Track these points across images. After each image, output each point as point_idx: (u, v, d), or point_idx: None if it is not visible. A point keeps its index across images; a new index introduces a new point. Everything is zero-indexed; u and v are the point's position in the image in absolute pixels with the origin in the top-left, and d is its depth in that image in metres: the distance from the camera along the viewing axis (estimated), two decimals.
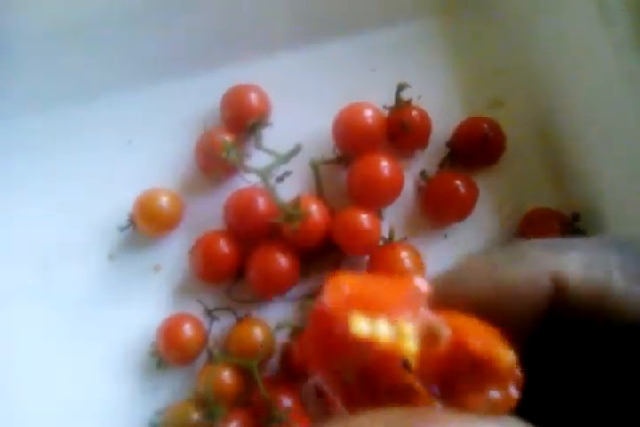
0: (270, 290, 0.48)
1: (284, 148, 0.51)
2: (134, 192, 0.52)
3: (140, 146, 0.56)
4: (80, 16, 0.53)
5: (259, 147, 0.51)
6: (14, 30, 0.53)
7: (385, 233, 0.48)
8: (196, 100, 0.56)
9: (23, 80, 0.55)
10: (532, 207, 0.49)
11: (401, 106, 0.50)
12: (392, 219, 0.50)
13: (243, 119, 0.52)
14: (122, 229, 0.52)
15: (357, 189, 0.48)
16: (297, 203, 0.47)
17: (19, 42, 0.53)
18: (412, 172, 0.51)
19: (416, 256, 0.47)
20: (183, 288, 0.52)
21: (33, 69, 0.55)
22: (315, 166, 0.50)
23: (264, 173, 0.49)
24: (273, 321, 0.49)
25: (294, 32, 0.56)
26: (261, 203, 0.49)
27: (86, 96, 0.56)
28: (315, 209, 0.47)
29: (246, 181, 0.51)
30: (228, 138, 0.51)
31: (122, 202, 0.53)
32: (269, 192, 0.48)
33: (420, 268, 0.46)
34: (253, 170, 0.49)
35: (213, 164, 0.52)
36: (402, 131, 0.49)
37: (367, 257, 0.48)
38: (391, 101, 0.51)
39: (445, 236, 0.50)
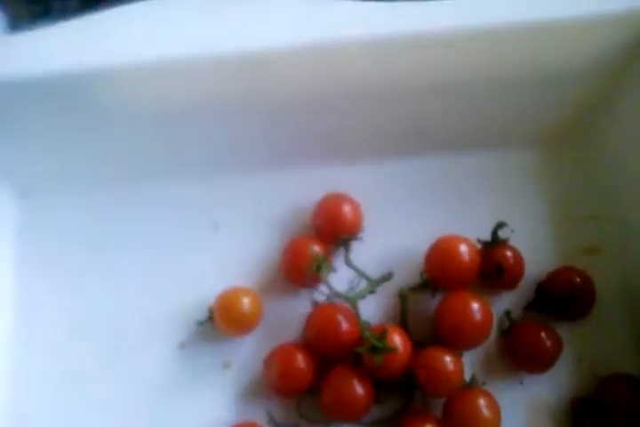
0: (342, 414, 0.49)
1: (369, 265, 0.52)
2: (215, 283, 0.53)
3: (225, 234, 0.56)
4: (190, 100, 0.53)
5: (348, 263, 0.52)
6: (116, 109, 0.53)
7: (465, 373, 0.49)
8: (289, 197, 0.56)
9: (123, 153, 0.56)
10: (614, 370, 0.49)
11: (497, 245, 0.50)
12: (470, 358, 0.51)
13: (335, 231, 0.53)
14: (200, 323, 0.52)
15: (445, 328, 0.49)
16: (383, 335, 0.47)
17: (118, 119, 0.53)
18: (496, 310, 0.51)
19: (493, 405, 0.47)
20: (251, 391, 0.52)
21: (133, 144, 0.55)
22: (403, 296, 0.50)
23: (353, 299, 0.49)
24: None
25: (397, 143, 0.56)
26: (344, 324, 0.49)
27: (178, 175, 0.57)
28: (399, 342, 0.47)
29: (327, 296, 0.51)
30: (318, 250, 0.51)
31: (201, 292, 0.53)
32: (356, 318, 0.49)
33: (496, 417, 0.47)
34: (342, 295, 0.49)
35: (299, 272, 0.52)
36: (496, 272, 0.50)
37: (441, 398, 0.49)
38: (483, 231, 0.51)
39: (521, 383, 0.51)
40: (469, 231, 0.51)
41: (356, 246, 0.53)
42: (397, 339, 0.48)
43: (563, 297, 0.50)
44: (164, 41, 0.49)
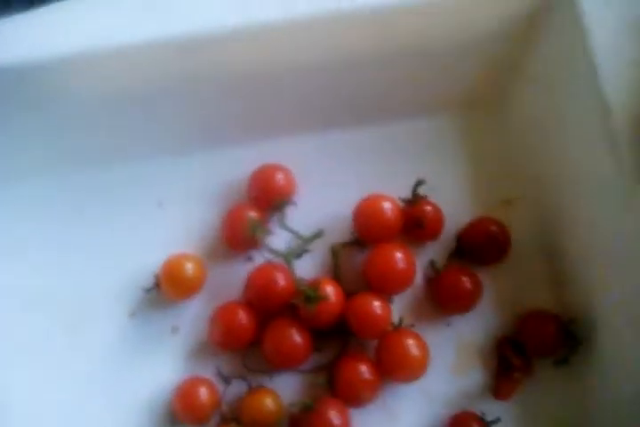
0: (283, 363, 0.52)
1: (305, 226, 0.56)
2: (161, 254, 0.56)
3: (170, 210, 0.59)
4: (129, 86, 0.56)
5: (282, 226, 0.55)
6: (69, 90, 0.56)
7: (394, 318, 0.52)
8: (225, 172, 0.59)
9: (63, 139, 0.58)
10: (532, 308, 0.54)
11: (417, 201, 0.54)
12: (400, 304, 0.54)
13: (269, 198, 0.56)
14: (147, 290, 0.55)
15: (373, 277, 0.52)
16: (316, 286, 0.50)
17: (70, 102, 0.56)
18: (421, 260, 0.55)
19: (422, 344, 0.51)
20: (199, 351, 0.55)
21: (75, 129, 0.58)
22: (335, 251, 0.54)
23: (287, 257, 0.53)
24: (283, 391, 0.53)
25: (324, 116, 0.59)
26: (281, 280, 0.52)
27: (122, 158, 0.60)
28: (331, 292, 0.51)
29: (266, 256, 0.54)
30: (254, 215, 0.55)
31: (148, 262, 0.56)
32: (291, 273, 0.52)
33: (425, 355, 0.51)
34: (277, 252, 0.53)
35: (238, 237, 0.55)
36: (416, 225, 0.54)
37: (375, 341, 0.52)
38: (407, 192, 0.55)
39: (448, 324, 0.55)
40: (395, 192, 0.55)
41: (290, 212, 0.57)
42: (330, 289, 0.51)
43: (480, 243, 0.54)
44: (104, 29, 0.51)
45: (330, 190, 0.58)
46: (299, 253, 0.54)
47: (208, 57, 0.53)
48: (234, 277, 0.56)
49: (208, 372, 0.54)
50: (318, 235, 0.54)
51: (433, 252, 0.57)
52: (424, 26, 0.54)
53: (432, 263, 0.55)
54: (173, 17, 0.52)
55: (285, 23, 0.52)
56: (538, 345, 0.52)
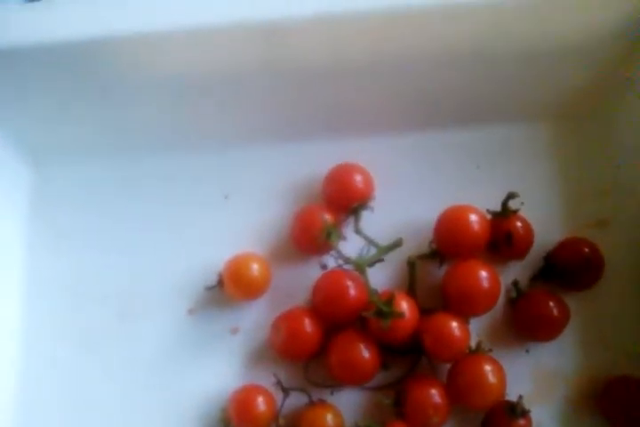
0: (349, 379, 0.49)
1: (379, 234, 0.52)
2: (225, 250, 0.53)
3: (236, 204, 0.56)
4: (205, 71, 0.53)
5: (357, 231, 0.52)
6: (135, 76, 0.53)
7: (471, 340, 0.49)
8: (299, 169, 0.57)
9: (129, 123, 0.56)
10: (617, 373, 0.50)
11: (507, 215, 0.50)
12: (477, 325, 0.51)
13: (345, 200, 0.53)
14: (209, 288, 0.53)
15: (453, 295, 0.49)
16: (390, 300, 0.47)
17: (139, 84, 0.53)
18: (503, 278, 0.51)
19: (500, 371, 0.47)
20: (258, 355, 0.53)
21: (142, 114, 0.56)
22: (412, 263, 0.50)
23: (362, 265, 0.49)
24: (345, 407, 0.50)
25: (408, 116, 0.56)
26: (352, 289, 0.49)
27: (189, 146, 0.57)
28: (406, 308, 0.48)
29: (337, 262, 0.51)
30: (328, 218, 0.52)
31: (212, 258, 0.54)
32: (364, 284, 0.49)
33: (501, 383, 0.47)
34: (350, 259, 0.50)
35: (309, 240, 0.52)
36: (505, 241, 0.50)
37: (448, 363, 0.49)
38: (493, 203, 0.52)
39: (527, 351, 0.51)
40: (480, 203, 0.52)
41: (366, 216, 0.53)
42: (404, 304, 0.48)
43: (571, 267, 0.50)
44: (172, 10, 0.49)
45: (409, 196, 0.55)
46: (373, 262, 0.51)
47: (291, 45, 0.51)
48: (301, 281, 0.53)
49: (266, 380, 0.51)
50: (397, 244, 0.51)
51: (517, 271, 0.53)
52: (528, 26, 0.50)
53: (515, 284, 0.51)
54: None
55: (376, 13, 0.49)
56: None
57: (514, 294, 0.51)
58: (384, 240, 0.52)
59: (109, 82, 0.53)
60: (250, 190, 0.57)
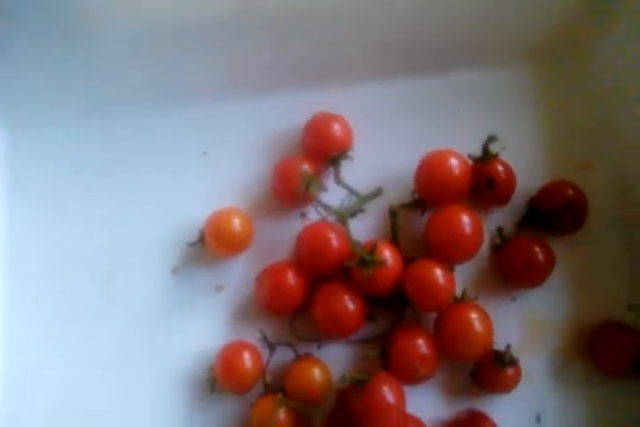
0: (335, 331, 0.48)
1: (360, 183, 0.52)
2: (206, 206, 0.52)
3: (215, 159, 0.55)
4: (180, 20, 0.51)
5: (338, 181, 0.51)
6: (109, 27, 0.52)
7: (456, 289, 0.48)
8: (276, 121, 0.55)
9: (105, 77, 0.55)
10: (605, 318, 0.50)
11: (488, 159, 0.49)
12: (462, 274, 0.50)
13: (324, 150, 0.52)
14: (190, 244, 0.52)
15: (435, 242, 0.48)
16: (373, 249, 0.46)
17: (112, 35, 0.52)
18: (487, 226, 0.51)
19: (486, 319, 0.47)
20: (244, 312, 0.52)
21: (118, 68, 0.54)
22: (393, 212, 0.50)
23: (343, 215, 0.49)
24: (331, 361, 0.49)
25: (385, 64, 0.55)
26: (335, 240, 0.49)
27: (165, 102, 0.56)
28: (389, 256, 0.47)
29: (319, 212, 0.50)
30: (307, 169, 0.51)
31: (192, 215, 0.53)
32: (346, 234, 0.48)
33: (489, 331, 0.46)
34: (331, 209, 0.49)
35: (289, 192, 0.51)
36: (486, 186, 0.49)
37: (434, 313, 0.48)
38: (474, 148, 0.51)
39: (514, 299, 0.50)
40: (461, 148, 0.50)
41: (346, 166, 0.52)
42: (387, 253, 0.47)
43: (555, 211, 0.49)
44: None
45: (389, 145, 0.54)
46: (354, 211, 0.50)
47: None
48: (283, 234, 0.53)
49: (252, 336, 0.51)
50: (377, 193, 0.50)
51: (500, 218, 0.52)
52: None
53: (499, 230, 0.50)
54: None
55: None
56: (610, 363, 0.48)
57: (498, 241, 0.50)
58: (365, 190, 0.51)
59: (81, 36, 0.51)
60: (229, 145, 0.56)
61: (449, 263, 0.48)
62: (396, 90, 0.55)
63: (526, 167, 0.52)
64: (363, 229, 0.52)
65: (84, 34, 0.51)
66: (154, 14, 0.50)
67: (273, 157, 0.55)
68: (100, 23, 0.51)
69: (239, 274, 0.53)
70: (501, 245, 0.50)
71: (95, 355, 0.52)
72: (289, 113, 0.54)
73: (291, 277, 0.49)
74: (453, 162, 0.48)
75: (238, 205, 0.54)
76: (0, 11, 0.49)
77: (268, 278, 0.50)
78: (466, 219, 0.47)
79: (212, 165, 0.55)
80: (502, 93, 0.54)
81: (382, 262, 0.46)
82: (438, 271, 0.47)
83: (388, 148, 0.53)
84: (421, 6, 0.51)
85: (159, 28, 0.51)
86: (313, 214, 0.52)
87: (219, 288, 0.53)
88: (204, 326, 0.52)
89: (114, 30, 0.51)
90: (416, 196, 0.51)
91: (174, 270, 0.53)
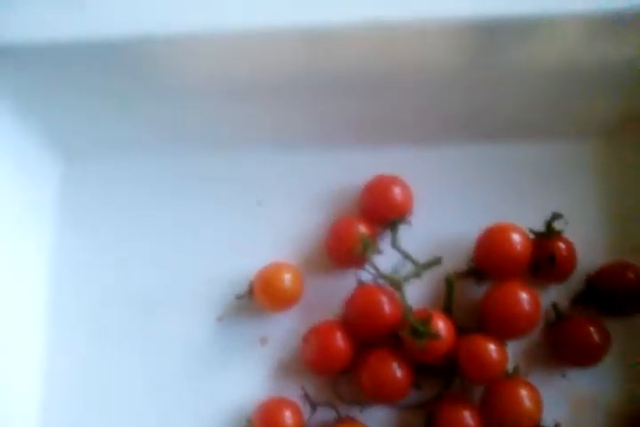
0: (380, 397, 0.48)
1: (416, 249, 0.51)
2: (257, 257, 0.52)
3: (269, 210, 0.55)
4: (242, 74, 0.52)
5: (395, 246, 0.51)
6: (180, 77, 0.52)
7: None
8: (335, 177, 0.55)
9: (171, 123, 0.55)
10: None
11: (551, 236, 0.49)
12: (513, 348, 0.49)
13: (383, 213, 0.52)
14: (239, 297, 0.52)
15: (492, 317, 0.48)
16: (427, 320, 0.46)
17: (181, 88, 0.52)
18: (542, 300, 0.50)
19: (536, 396, 0.46)
20: (286, 367, 0.52)
21: (181, 112, 0.54)
22: (450, 281, 0.49)
23: (399, 282, 0.48)
24: (374, 425, 0.49)
25: (451, 128, 0.55)
26: (387, 305, 0.48)
27: (225, 147, 0.56)
28: (443, 329, 0.47)
29: (372, 275, 0.50)
30: (365, 231, 0.51)
31: (242, 265, 0.53)
32: (400, 301, 0.48)
33: (537, 409, 0.46)
34: (388, 277, 0.49)
35: (344, 252, 0.51)
36: (547, 263, 0.48)
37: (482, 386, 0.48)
38: (534, 219, 0.50)
39: (563, 375, 0.50)
40: (522, 221, 0.50)
41: (403, 230, 0.52)
42: (441, 325, 0.47)
43: (613, 293, 0.49)
44: (222, 11, 0.47)
45: (448, 211, 0.54)
46: (410, 279, 0.49)
47: (334, 52, 0.49)
48: (333, 292, 0.52)
49: (293, 392, 0.50)
50: (435, 262, 0.49)
51: (556, 293, 0.51)
52: (580, 42, 0.48)
53: (555, 307, 0.50)
54: (301, 4, 0.47)
55: (421, 22, 0.47)
56: None
57: (553, 317, 0.50)
58: (421, 255, 0.51)
59: (148, 81, 0.51)
60: (284, 197, 0.56)
61: (504, 339, 0.47)
62: (461, 155, 0.55)
63: (586, 244, 0.51)
64: (414, 292, 0.51)
65: (150, 80, 0.51)
66: (222, 69, 0.50)
67: (328, 213, 0.55)
68: (166, 72, 0.51)
69: (285, 328, 0.52)
70: (556, 322, 0.49)
71: (132, 397, 0.51)
72: (350, 170, 0.55)
73: (339, 339, 0.49)
74: (516, 237, 0.48)
75: (289, 258, 0.53)
76: (70, 50, 0.49)
77: (316, 338, 0.50)
78: (526, 297, 0.47)
79: (266, 216, 0.55)
80: (569, 167, 0.54)
81: (436, 336, 0.46)
82: (492, 346, 0.46)
83: (447, 214, 0.53)
84: (493, 77, 0.50)
85: (229, 84, 0.52)
86: (365, 276, 0.51)
87: (263, 341, 0.52)
88: (245, 377, 0.51)
89: (181, 79, 0.51)
90: (473, 264, 0.50)
91: (219, 318, 0.53)
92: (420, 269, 0.49)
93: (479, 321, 0.49)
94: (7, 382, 0.50)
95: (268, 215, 0.55)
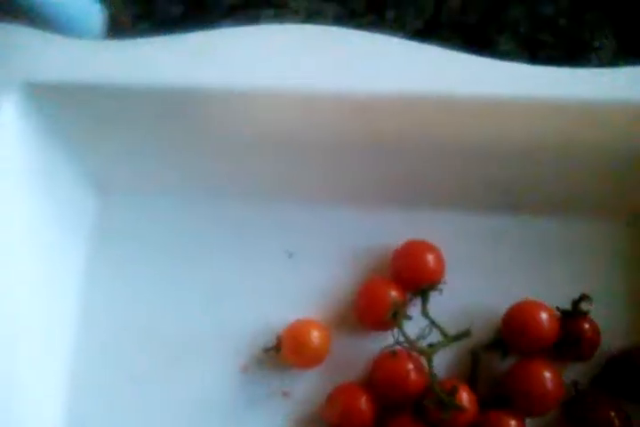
0: None
1: (443, 316, 0.52)
2: (285, 310, 0.54)
3: (300, 263, 0.57)
4: (297, 133, 0.53)
5: (424, 314, 0.52)
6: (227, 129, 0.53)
7: None
8: (368, 236, 0.56)
9: (210, 170, 0.56)
10: None
11: (577, 316, 0.50)
12: (532, 423, 0.51)
13: (414, 279, 0.53)
14: (266, 350, 0.53)
15: (515, 394, 0.49)
16: (453, 392, 0.47)
17: (226, 139, 0.54)
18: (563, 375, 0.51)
19: None
20: (307, 422, 0.53)
21: (223, 160, 0.56)
22: (475, 355, 0.50)
23: (428, 354, 0.49)
24: None
25: (491, 199, 0.56)
26: (414, 374, 0.49)
27: (261, 197, 0.57)
28: (466, 401, 0.48)
29: (400, 343, 0.51)
30: (397, 297, 0.52)
31: (270, 315, 0.54)
32: (428, 372, 0.49)
33: None
34: (418, 348, 0.50)
35: (374, 315, 0.52)
36: (572, 344, 0.50)
37: None
38: (562, 298, 0.51)
39: None
40: (549, 296, 0.51)
41: (431, 296, 0.53)
42: (465, 397, 0.48)
43: (635, 377, 0.50)
44: (274, 69, 0.49)
45: (477, 282, 0.55)
46: (438, 350, 0.51)
47: (380, 119, 0.50)
48: (358, 354, 0.53)
49: None
50: (465, 335, 0.51)
51: (575, 369, 0.52)
52: (621, 127, 0.49)
53: (575, 385, 0.51)
54: (356, 74, 0.48)
55: (473, 101, 0.48)
56: None
57: (571, 395, 0.51)
58: (446, 323, 0.52)
59: (196, 129, 0.53)
60: (316, 251, 0.57)
61: (525, 416, 0.49)
62: (494, 226, 0.56)
63: (610, 324, 0.52)
64: (437, 360, 0.52)
65: (193, 128, 0.53)
66: (276, 128, 0.52)
67: (359, 270, 0.56)
68: (211, 122, 0.52)
69: (308, 384, 0.53)
70: (574, 400, 0.51)
71: None
72: (383, 231, 0.56)
73: (363, 402, 0.50)
74: (543, 316, 0.49)
75: (317, 313, 0.54)
76: (116, 92, 0.50)
77: (341, 399, 0.51)
78: (548, 375, 0.48)
79: (297, 269, 0.56)
80: (599, 248, 0.55)
81: (461, 409, 0.47)
82: (513, 422, 0.48)
83: (476, 284, 0.54)
84: (533, 153, 0.52)
85: (276, 140, 0.53)
86: (391, 340, 0.52)
87: (285, 394, 0.53)
88: None
89: (224, 130, 0.53)
90: (499, 338, 0.52)
91: (244, 368, 0.54)
92: (450, 340, 0.50)
93: (501, 395, 0.50)
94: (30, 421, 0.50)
95: (299, 268, 0.56)
